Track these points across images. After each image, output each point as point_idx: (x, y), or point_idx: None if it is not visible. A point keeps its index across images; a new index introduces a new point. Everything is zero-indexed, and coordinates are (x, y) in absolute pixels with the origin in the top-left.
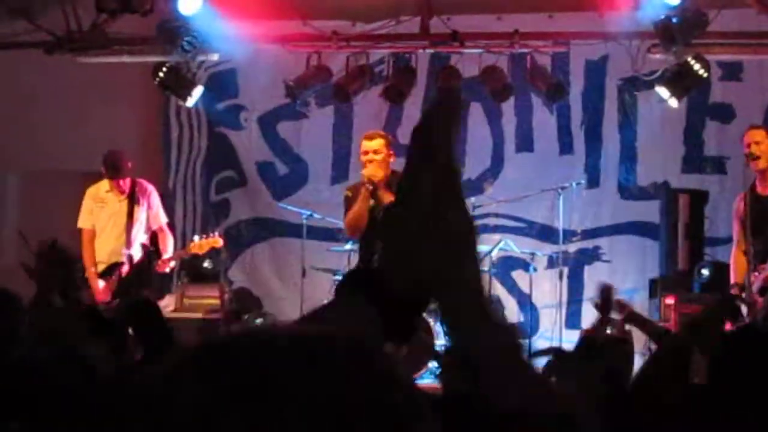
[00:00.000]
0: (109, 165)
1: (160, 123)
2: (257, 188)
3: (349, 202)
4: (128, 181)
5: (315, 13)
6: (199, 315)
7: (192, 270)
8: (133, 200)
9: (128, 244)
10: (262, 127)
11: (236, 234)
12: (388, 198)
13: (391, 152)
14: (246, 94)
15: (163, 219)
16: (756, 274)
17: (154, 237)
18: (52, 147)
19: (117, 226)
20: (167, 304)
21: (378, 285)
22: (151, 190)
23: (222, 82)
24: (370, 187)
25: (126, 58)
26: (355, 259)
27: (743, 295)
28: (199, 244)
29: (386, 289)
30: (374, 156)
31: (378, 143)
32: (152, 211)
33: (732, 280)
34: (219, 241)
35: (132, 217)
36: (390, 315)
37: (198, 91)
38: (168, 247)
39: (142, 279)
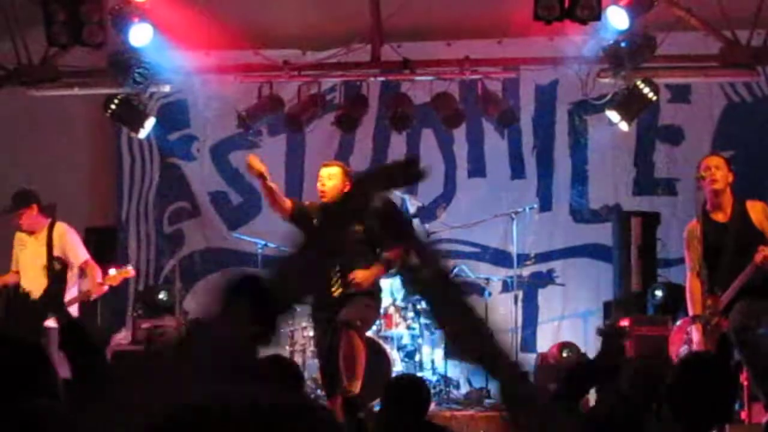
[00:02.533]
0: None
1: (112, 155)
2: (211, 219)
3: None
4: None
5: (266, 43)
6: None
7: (146, 302)
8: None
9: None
10: (214, 157)
11: (190, 265)
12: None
13: (347, 182)
14: (197, 125)
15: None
16: (718, 294)
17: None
18: (1, 180)
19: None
20: (123, 337)
21: (260, 290)
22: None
23: (173, 113)
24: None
25: (77, 91)
26: None
27: (706, 325)
28: (113, 276)
29: (265, 294)
30: (327, 182)
31: (335, 170)
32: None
33: (691, 313)
34: (130, 272)
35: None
36: (263, 317)
37: (150, 123)
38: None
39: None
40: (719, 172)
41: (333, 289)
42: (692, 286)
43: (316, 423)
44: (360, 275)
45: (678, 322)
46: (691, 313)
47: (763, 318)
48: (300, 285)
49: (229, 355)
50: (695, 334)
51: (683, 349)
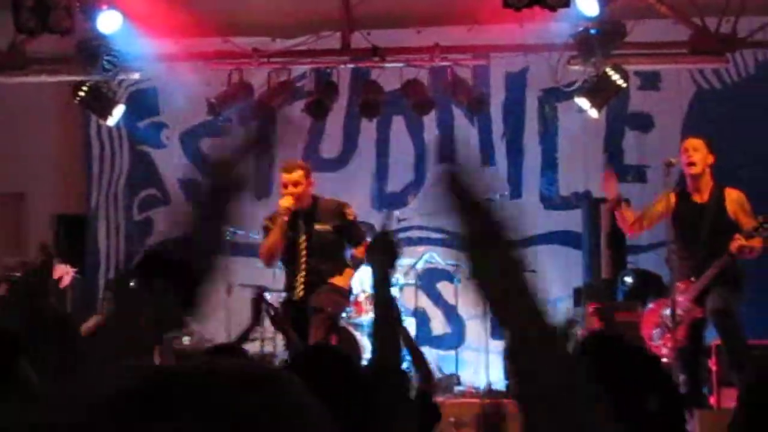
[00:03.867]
0: None
1: (81, 142)
2: (181, 206)
3: (267, 232)
4: None
5: (235, 30)
6: None
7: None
8: None
9: None
10: (184, 145)
11: None
12: (311, 225)
13: (311, 181)
14: (167, 112)
15: None
16: (692, 280)
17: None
18: None
19: None
20: (93, 325)
21: (172, 262)
22: None
23: (143, 101)
24: (286, 219)
25: (46, 78)
26: (280, 275)
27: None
28: (59, 268)
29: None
30: (294, 189)
31: (298, 175)
32: None
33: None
34: (69, 272)
35: None
36: (183, 289)
37: (119, 110)
38: None
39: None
40: (697, 154)
41: (297, 291)
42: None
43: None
44: (338, 281)
45: (650, 306)
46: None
47: (736, 308)
48: (209, 236)
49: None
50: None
51: (656, 332)
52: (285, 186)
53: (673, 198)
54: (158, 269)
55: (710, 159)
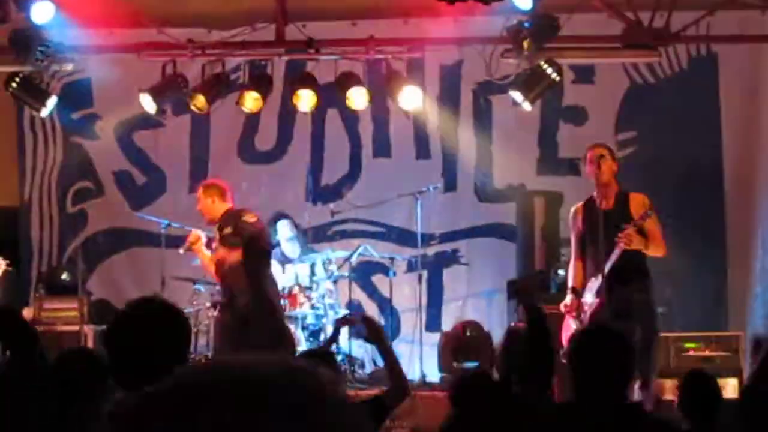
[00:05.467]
0: None
1: (14, 133)
2: (114, 198)
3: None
4: None
5: (170, 21)
6: (57, 327)
7: (49, 282)
8: None
9: None
10: (117, 137)
11: (94, 245)
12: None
13: (215, 197)
14: (101, 104)
15: None
16: (593, 279)
17: None
18: None
19: None
20: (25, 317)
21: None
22: None
23: (76, 92)
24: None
25: None
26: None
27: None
28: None
29: None
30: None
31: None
32: None
33: (570, 285)
34: (2, 264)
35: None
36: None
37: (52, 102)
38: None
39: None
40: (604, 164)
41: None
42: (574, 265)
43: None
44: None
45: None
46: (570, 284)
47: (635, 307)
48: None
49: None
50: (571, 304)
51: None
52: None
53: (581, 211)
54: None
55: (615, 167)
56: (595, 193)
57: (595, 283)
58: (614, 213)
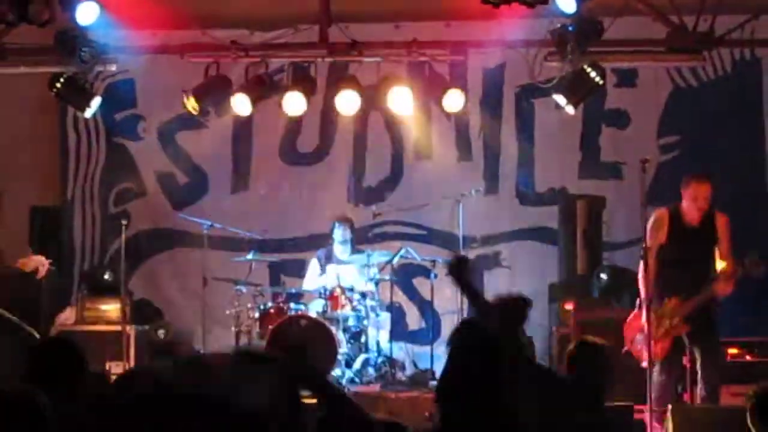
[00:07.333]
0: None
1: (57, 134)
2: (157, 199)
3: None
4: None
5: (213, 23)
6: (99, 327)
7: (92, 282)
8: None
9: None
10: (160, 137)
11: (136, 245)
12: None
13: None
14: (144, 104)
15: None
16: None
17: None
18: None
19: None
20: (67, 317)
21: None
22: None
23: (120, 93)
24: None
25: (23, 69)
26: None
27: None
28: (23, 261)
29: None
30: None
31: None
32: None
33: (643, 295)
34: (44, 263)
35: None
36: None
37: (96, 102)
38: None
39: None
40: (707, 201)
41: None
42: (651, 265)
43: None
44: None
45: (635, 311)
46: (643, 295)
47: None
48: None
49: None
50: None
51: (638, 337)
52: None
53: (666, 218)
54: None
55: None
56: (684, 205)
57: (683, 307)
58: (701, 232)
